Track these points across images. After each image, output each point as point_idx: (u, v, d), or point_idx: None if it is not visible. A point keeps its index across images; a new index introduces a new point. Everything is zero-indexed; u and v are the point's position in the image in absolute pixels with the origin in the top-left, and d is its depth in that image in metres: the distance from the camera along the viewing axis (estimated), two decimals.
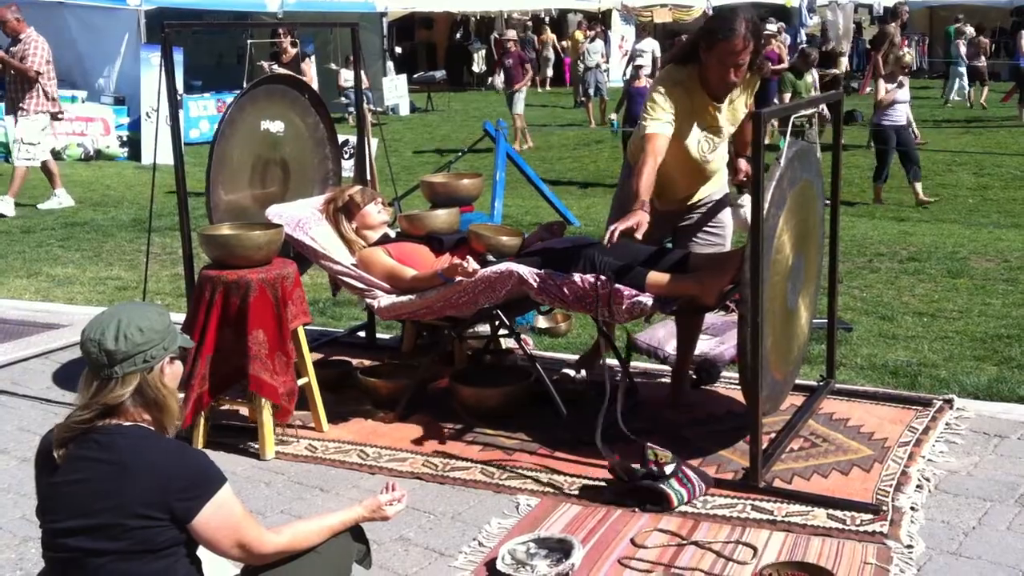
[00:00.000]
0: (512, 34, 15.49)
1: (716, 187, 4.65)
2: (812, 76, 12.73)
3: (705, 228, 4.66)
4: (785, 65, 13.93)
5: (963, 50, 21.18)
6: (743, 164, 4.67)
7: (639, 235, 3.87)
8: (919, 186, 11.33)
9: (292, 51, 11.01)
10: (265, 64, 11.38)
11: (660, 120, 4.20)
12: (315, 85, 11.20)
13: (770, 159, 3.72)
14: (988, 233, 9.36)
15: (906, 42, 27.23)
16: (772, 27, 16.52)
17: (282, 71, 10.84)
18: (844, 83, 18.59)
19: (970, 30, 22.53)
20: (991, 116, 19.12)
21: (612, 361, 5.03)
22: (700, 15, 27.31)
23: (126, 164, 15.22)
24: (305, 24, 10.01)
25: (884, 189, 11.74)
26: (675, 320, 4.77)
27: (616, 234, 3.85)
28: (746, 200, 4.43)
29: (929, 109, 20.73)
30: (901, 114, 11.25)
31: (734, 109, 4.42)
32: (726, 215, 4.68)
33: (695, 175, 4.52)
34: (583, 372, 5.01)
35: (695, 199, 4.63)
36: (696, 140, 4.36)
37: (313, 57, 18.65)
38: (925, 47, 28.62)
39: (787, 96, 11.87)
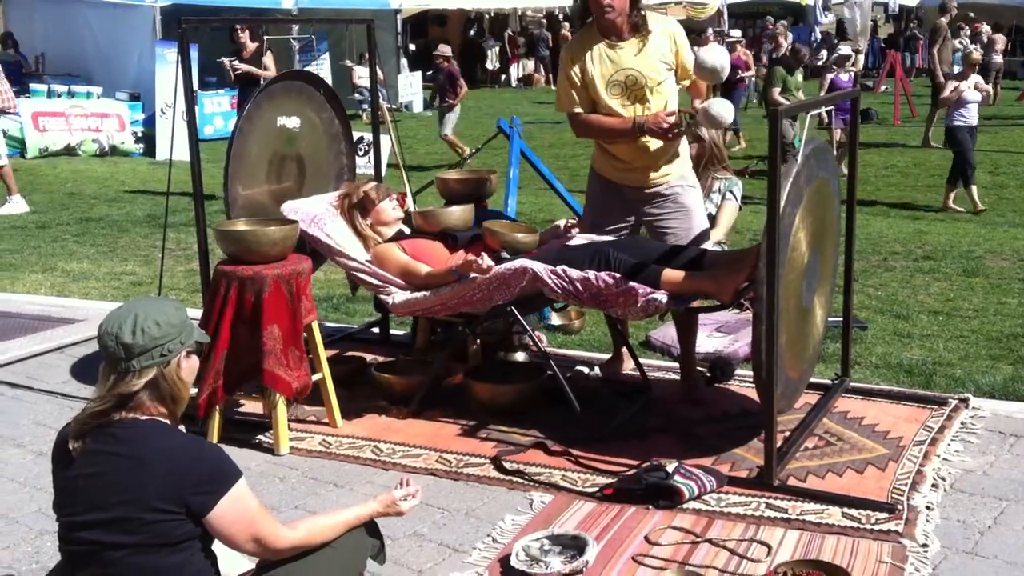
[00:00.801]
0: (445, 49, 14.96)
1: (674, 171, 4.67)
2: (801, 74, 12.61)
3: (672, 217, 4.70)
4: (751, 73, 13.72)
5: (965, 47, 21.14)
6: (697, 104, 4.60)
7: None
8: (975, 190, 10.72)
9: (252, 45, 10.83)
10: (226, 61, 11.17)
11: (566, 101, 4.64)
12: (274, 73, 10.91)
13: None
14: (1004, 232, 9.32)
15: (921, 42, 27.15)
16: (736, 33, 16.19)
17: (243, 67, 10.74)
18: (860, 81, 18.51)
19: (986, 28, 22.45)
20: (1006, 114, 19.02)
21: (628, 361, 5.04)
22: (714, 12, 27.25)
23: (141, 160, 15.27)
24: (320, 21, 9.98)
25: (900, 186, 11.70)
26: (672, 318, 4.79)
27: None
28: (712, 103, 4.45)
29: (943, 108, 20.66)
30: (974, 113, 10.76)
31: (646, 55, 4.52)
32: (689, 199, 4.72)
33: (631, 139, 4.60)
34: (596, 369, 5.00)
35: (652, 181, 4.66)
36: (605, 84, 4.55)
37: (320, 53, 18.64)
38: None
39: (776, 90, 11.74)
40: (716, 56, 4.45)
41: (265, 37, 11.17)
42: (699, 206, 4.81)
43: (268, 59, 10.92)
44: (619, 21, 4.49)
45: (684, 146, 4.80)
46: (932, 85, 14.99)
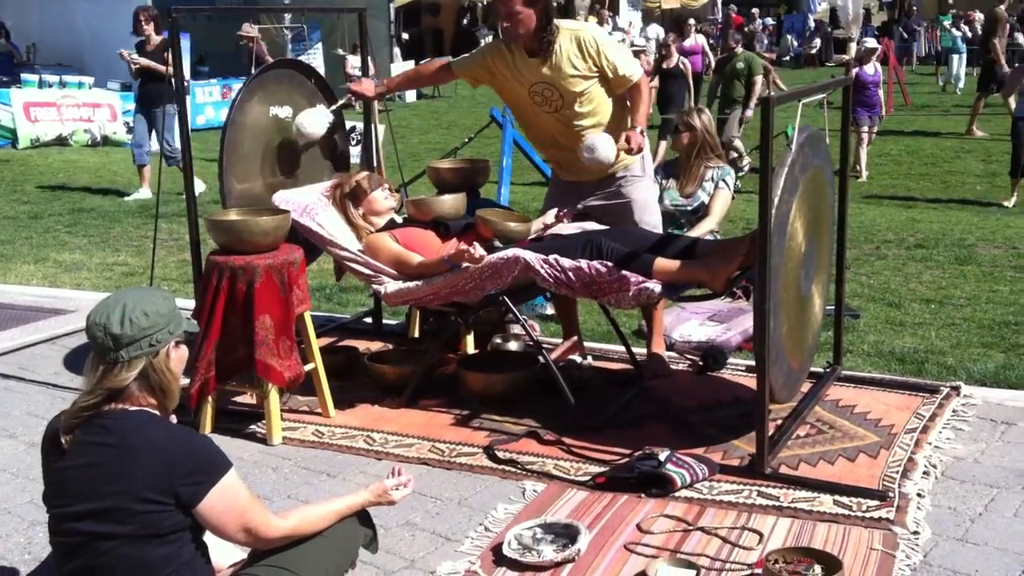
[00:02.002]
0: (251, 29, 12.41)
1: (620, 159, 4.68)
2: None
3: (615, 208, 4.77)
4: (654, 83, 12.55)
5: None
6: (631, 136, 4.51)
7: None
8: None
9: (157, 39, 10.30)
10: (125, 53, 10.51)
11: (462, 60, 4.89)
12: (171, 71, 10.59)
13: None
14: (996, 220, 9.33)
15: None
16: (640, 42, 15.66)
17: (143, 61, 10.29)
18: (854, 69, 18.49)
19: (979, 16, 22.47)
20: (999, 103, 19.01)
21: (619, 347, 5.04)
22: (707, 1, 27.22)
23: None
24: (312, 10, 9.88)
25: (893, 175, 11.70)
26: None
27: None
28: (595, 140, 4.46)
29: (937, 95, 20.68)
30: None
31: (558, 67, 4.53)
32: (632, 190, 4.77)
33: (562, 134, 4.67)
34: (589, 358, 5.00)
35: (597, 173, 4.70)
36: (527, 91, 4.63)
37: (313, 43, 18.55)
38: (935, 34, 28.52)
39: (758, 79, 11.61)
40: (600, 149, 4.44)
41: (257, 27, 10.91)
42: (644, 196, 4.82)
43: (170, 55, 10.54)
44: (528, 41, 4.53)
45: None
46: (984, 76, 14.91)
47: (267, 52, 10.36)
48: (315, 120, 4.54)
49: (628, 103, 4.67)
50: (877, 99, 12.28)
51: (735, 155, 11.31)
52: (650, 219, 4.82)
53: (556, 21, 4.53)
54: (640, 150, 4.54)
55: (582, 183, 4.80)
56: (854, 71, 12.27)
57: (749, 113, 11.58)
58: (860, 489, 3.64)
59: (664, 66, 12.63)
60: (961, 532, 3.39)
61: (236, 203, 4.78)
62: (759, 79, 11.66)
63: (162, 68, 10.19)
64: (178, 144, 10.25)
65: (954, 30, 22.02)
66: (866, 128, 11.97)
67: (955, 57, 21.47)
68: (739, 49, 11.96)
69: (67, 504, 2.40)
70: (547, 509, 3.59)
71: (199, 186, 10.48)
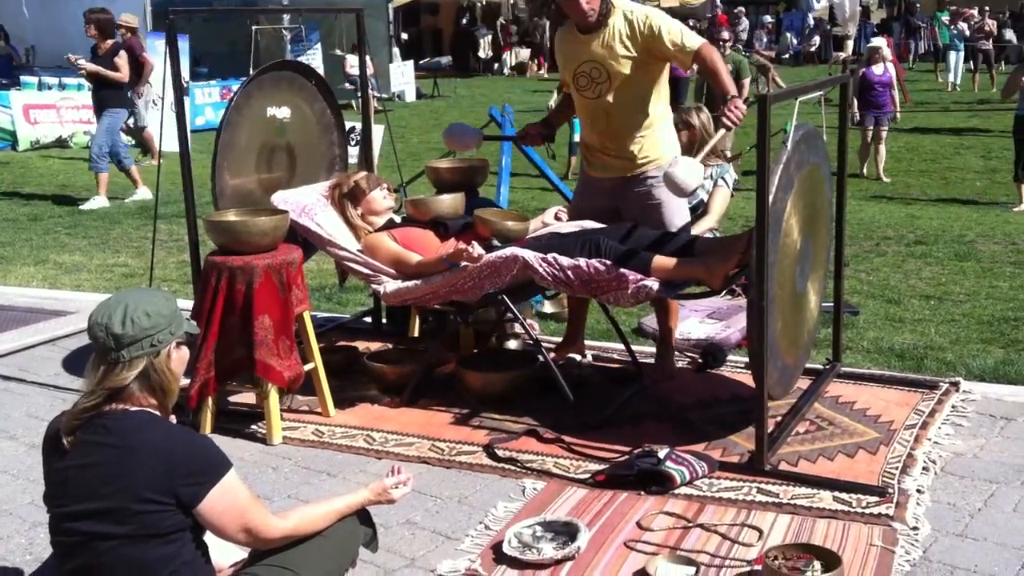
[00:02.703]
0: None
1: (653, 156, 4.56)
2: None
3: (639, 204, 4.62)
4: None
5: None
6: (730, 108, 4.24)
7: None
8: None
9: (107, 44, 10.16)
10: (72, 57, 10.32)
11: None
12: (126, 76, 10.27)
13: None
14: (996, 216, 9.34)
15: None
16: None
17: (90, 67, 10.07)
18: (851, 68, 18.49)
19: (974, 13, 22.54)
20: (999, 99, 19.02)
21: (618, 345, 5.05)
22: (706, 0, 27.19)
23: (133, 151, 15.20)
24: (310, 10, 9.88)
25: (892, 171, 11.67)
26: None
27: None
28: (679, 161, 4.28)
29: (936, 92, 20.68)
30: None
31: (608, 45, 4.44)
32: (663, 192, 4.47)
33: (605, 123, 4.59)
34: (588, 356, 5.01)
35: (624, 169, 4.60)
36: (572, 74, 4.58)
37: (312, 43, 18.54)
38: (935, 31, 28.53)
39: (746, 82, 11.27)
40: (686, 174, 4.05)
41: (255, 28, 10.89)
42: (674, 198, 4.55)
43: (121, 59, 10.14)
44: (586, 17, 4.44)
45: (666, 135, 4.66)
46: None
47: (120, 68, 9.88)
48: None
49: (706, 78, 4.55)
50: (886, 99, 11.83)
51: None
52: (679, 223, 4.65)
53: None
54: (739, 123, 4.23)
55: (610, 180, 4.67)
56: (861, 71, 12.12)
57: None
58: (860, 485, 3.65)
59: None
60: (961, 528, 3.39)
61: (229, 202, 4.78)
62: (746, 82, 11.35)
63: (110, 73, 10.05)
64: (105, 151, 10.13)
65: (953, 28, 22.01)
66: (871, 128, 11.73)
67: (952, 54, 21.46)
68: (728, 51, 11.85)
69: (67, 504, 2.40)
70: (547, 507, 3.59)
71: (144, 193, 10.41)
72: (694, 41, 4.40)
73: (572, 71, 4.58)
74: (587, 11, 4.40)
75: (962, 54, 21.33)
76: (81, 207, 10.31)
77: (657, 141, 4.61)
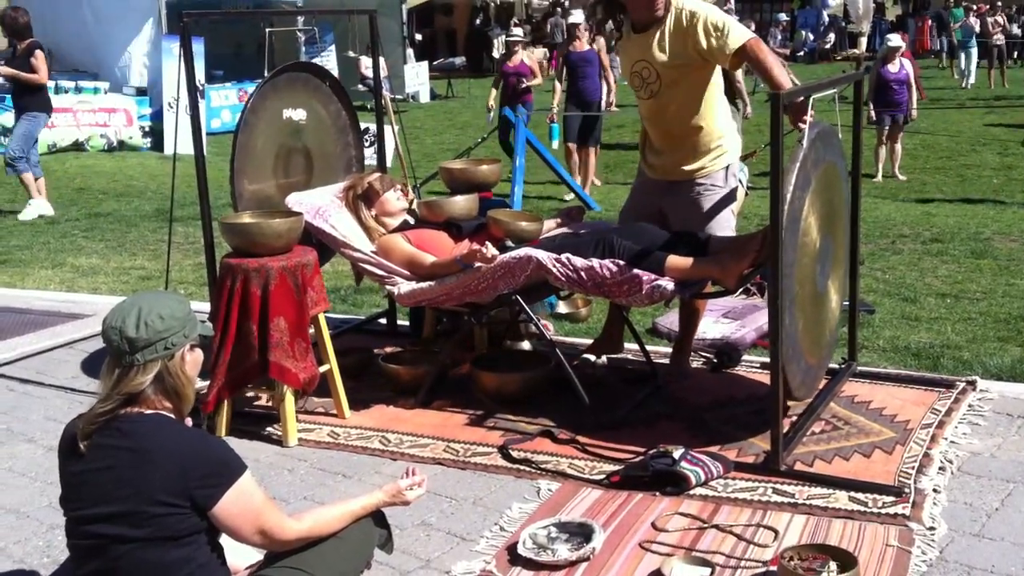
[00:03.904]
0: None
1: (701, 167, 4.48)
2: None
3: (683, 208, 4.52)
4: (538, 80, 11.45)
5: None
6: (793, 111, 3.94)
7: None
8: None
9: (23, 44, 9.49)
10: None
11: None
12: (44, 77, 9.81)
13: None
14: (1012, 213, 9.29)
15: (928, 22, 27.06)
16: (518, 34, 13.53)
17: (5, 70, 9.74)
18: (866, 65, 18.41)
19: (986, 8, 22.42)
20: (1016, 94, 18.93)
21: (633, 345, 5.04)
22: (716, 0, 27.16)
23: (149, 154, 15.30)
24: (323, 12, 9.90)
25: (908, 169, 11.60)
26: (679, 302, 4.76)
27: None
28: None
29: (952, 90, 20.57)
30: None
31: (660, 44, 4.35)
32: (707, 201, 4.48)
33: (657, 125, 4.56)
34: (603, 358, 5.00)
35: (674, 172, 4.53)
36: (629, 70, 4.53)
37: (326, 45, 18.55)
38: (950, 27, 28.37)
39: (739, 75, 11.21)
40: None
41: (268, 30, 10.85)
42: (719, 208, 4.49)
43: (38, 59, 9.68)
44: (643, 13, 4.36)
45: (718, 140, 4.50)
46: None
47: (38, 69, 9.37)
48: None
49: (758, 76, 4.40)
50: (902, 96, 11.59)
51: None
52: (720, 232, 4.46)
53: None
54: (804, 120, 3.88)
55: (660, 183, 4.60)
56: (876, 69, 11.92)
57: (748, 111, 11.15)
58: (876, 485, 3.63)
59: None
60: (977, 527, 3.37)
61: (248, 205, 4.81)
62: (739, 75, 11.05)
63: (24, 75, 9.66)
64: (19, 154, 9.71)
65: (964, 23, 21.89)
66: (888, 127, 11.57)
67: (963, 53, 21.31)
68: None
69: (83, 507, 2.42)
70: (562, 508, 3.59)
71: (41, 207, 10.00)
72: (736, 40, 4.20)
73: (628, 72, 4.55)
74: (656, 6, 4.30)
75: (975, 50, 21.21)
76: (20, 217, 9.89)
77: (708, 146, 4.48)
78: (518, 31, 12.67)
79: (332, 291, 6.71)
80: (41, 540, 3.57)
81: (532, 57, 12.01)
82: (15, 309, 6.64)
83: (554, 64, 27.70)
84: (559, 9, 29.43)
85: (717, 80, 4.48)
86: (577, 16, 10.94)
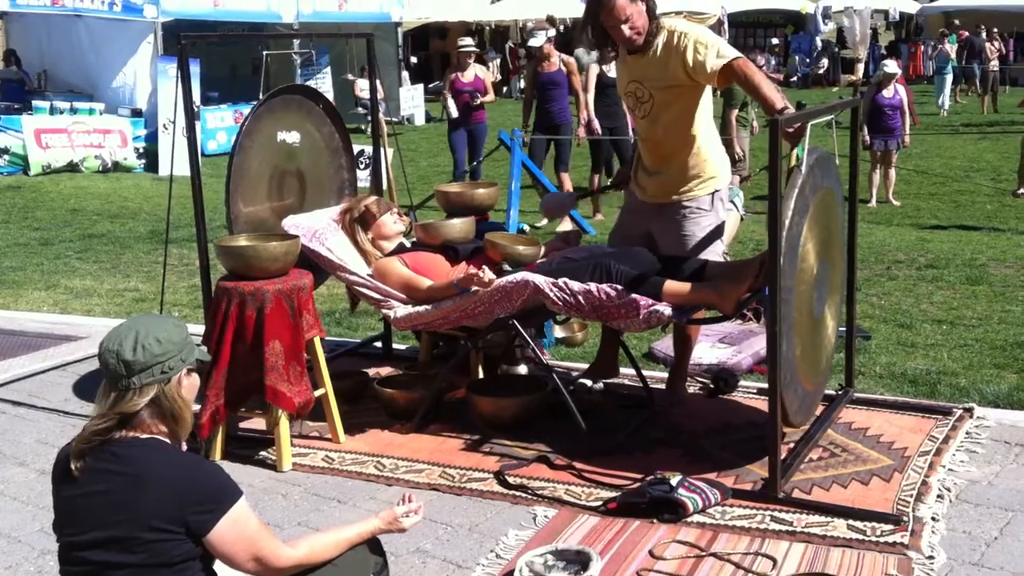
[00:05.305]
0: None
1: (688, 188, 4.46)
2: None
3: (669, 233, 4.50)
4: (491, 97, 11.22)
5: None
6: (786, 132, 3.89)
7: None
8: None
9: None
10: None
11: None
12: None
13: None
14: (1007, 239, 9.30)
15: (921, 48, 27.23)
16: (469, 43, 12.88)
17: None
18: (860, 91, 18.49)
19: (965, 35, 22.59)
20: (1008, 120, 19.02)
21: (628, 371, 5.02)
22: (715, 21, 27.25)
23: (143, 176, 15.29)
24: (320, 35, 9.91)
25: (902, 195, 11.63)
26: (673, 329, 4.75)
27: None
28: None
29: (947, 115, 20.67)
30: None
31: (650, 64, 4.34)
32: (694, 226, 4.47)
33: (648, 140, 4.54)
34: (600, 383, 4.99)
35: (665, 193, 4.50)
36: (624, 90, 4.58)
37: (322, 67, 18.58)
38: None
39: (734, 111, 10.65)
40: None
41: (265, 53, 10.86)
42: (704, 234, 4.48)
43: None
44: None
45: (705, 165, 4.48)
46: None
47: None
48: None
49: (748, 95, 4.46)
50: (896, 122, 11.57)
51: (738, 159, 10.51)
52: (707, 257, 4.44)
53: (661, 20, 4.35)
54: (799, 136, 3.89)
55: (649, 205, 4.58)
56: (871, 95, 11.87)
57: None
58: (874, 513, 3.61)
59: None
60: (977, 556, 3.35)
61: (243, 228, 4.79)
62: (733, 113, 10.64)
63: None
64: None
65: (943, 49, 22.00)
66: (880, 152, 11.58)
67: (938, 78, 21.37)
68: None
69: (77, 533, 2.39)
70: (559, 535, 3.57)
71: None
72: (724, 58, 4.18)
73: (623, 92, 4.59)
74: (630, 36, 4.31)
75: (950, 77, 21.25)
76: None
77: (696, 169, 4.46)
78: (468, 40, 11.92)
79: (328, 314, 6.70)
80: (32, 566, 3.54)
81: (486, 72, 11.72)
82: (8, 331, 6.61)
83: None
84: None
85: (706, 105, 4.47)
86: (540, 38, 10.29)
